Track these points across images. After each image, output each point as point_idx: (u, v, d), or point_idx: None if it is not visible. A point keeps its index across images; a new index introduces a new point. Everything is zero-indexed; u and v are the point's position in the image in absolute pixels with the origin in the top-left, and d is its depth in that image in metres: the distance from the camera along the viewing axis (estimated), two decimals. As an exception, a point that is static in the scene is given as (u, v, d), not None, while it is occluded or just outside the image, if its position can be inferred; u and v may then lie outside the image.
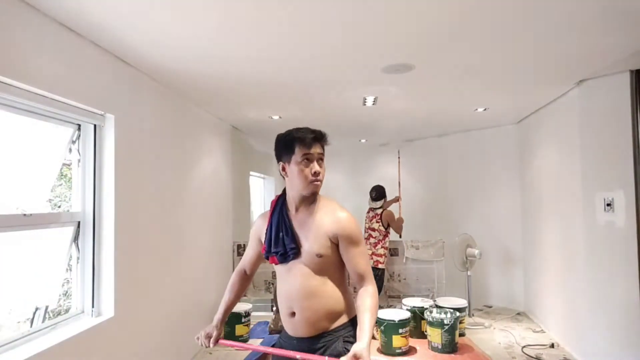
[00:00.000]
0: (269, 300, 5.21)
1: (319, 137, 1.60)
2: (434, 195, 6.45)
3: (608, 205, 3.15)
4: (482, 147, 5.70)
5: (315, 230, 1.57)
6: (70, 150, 2.46)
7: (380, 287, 4.53)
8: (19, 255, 2.26)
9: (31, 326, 2.15)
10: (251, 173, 6.32)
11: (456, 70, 3.07)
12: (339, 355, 1.47)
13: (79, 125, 2.48)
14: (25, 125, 2.19)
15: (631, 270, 3.01)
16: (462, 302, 4.35)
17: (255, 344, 3.95)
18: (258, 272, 5.04)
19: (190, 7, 2.01)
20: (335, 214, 1.58)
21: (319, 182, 1.58)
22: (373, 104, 4.03)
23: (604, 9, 2.10)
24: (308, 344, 1.58)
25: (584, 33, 2.40)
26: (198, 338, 1.72)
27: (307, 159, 1.56)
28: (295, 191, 1.61)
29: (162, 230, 3.21)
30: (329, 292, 1.58)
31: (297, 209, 1.63)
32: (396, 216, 4.67)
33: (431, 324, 3.84)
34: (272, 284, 4.97)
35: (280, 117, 4.56)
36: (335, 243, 1.57)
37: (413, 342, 3.98)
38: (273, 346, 1.73)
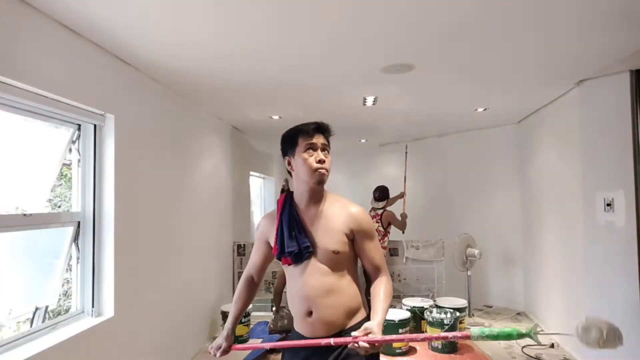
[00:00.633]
0: (269, 300, 5.20)
1: (321, 127, 1.59)
2: (434, 195, 6.44)
3: (608, 205, 3.15)
4: (482, 147, 5.69)
5: (329, 226, 1.55)
6: (70, 150, 2.46)
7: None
8: (19, 255, 2.26)
9: (31, 326, 2.15)
10: (251, 173, 6.32)
11: (456, 70, 3.07)
12: (357, 354, 1.45)
13: (79, 125, 2.48)
14: (26, 125, 2.19)
15: (631, 270, 3.01)
16: (462, 302, 4.35)
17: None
18: (258, 272, 5.03)
19: (190, 7, 2.01)
20: (348, 209, 1.57)
21: (324, 170, 1.55)
22: (373, 104, 4.03)
23: (604, 9, 2.10)
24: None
25: (584, 33, 2.40)
26: (211, 348, 1.71)
27: (311, 148, 1.55)
28: (302, 185, 1.59)
29: (162, 230, 3.21)
30: (346, 288, 1.56)
31: (306, 206, 1.60)
32: (400, 212, 4.67)
33: (431, 324, 3.84)
34: (272, 284, 4.97)
35: (280, 117, 4.56)
36: (350, 239, 1.56)
37: (413, 342, 3.98)
38: (284, 351, 1.71)
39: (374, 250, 1.59)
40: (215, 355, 1.70)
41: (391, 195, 4.76)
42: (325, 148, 1.58)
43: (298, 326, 1.62)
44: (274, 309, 4.37)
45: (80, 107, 2.32)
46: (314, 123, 1.59)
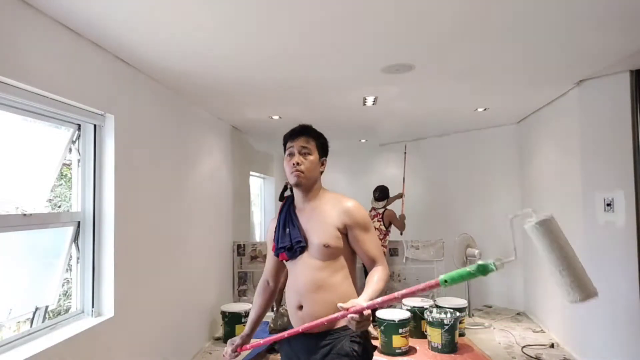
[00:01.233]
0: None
1: (300, 131, 1.67)
2: (434, 195, 6.44)
3: (608, 205, 3.15)
4: (482, 147, 5.69)
5: (322, 221, 1.59)
6: (70, 150, 2.46)
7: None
8: (19, 255, 2.26)
9: (31, 326, 2.15)
10: (251, 173, 6.32)
11: (456, 70, 3.07)
12: (347, 355, 1.48)
13: (79, 125, 2.48)
14: (26, 125, 2.19)
15: (631, 270, 3.01)
16: (462, 302, 4.36)
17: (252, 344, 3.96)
18: (258, 272, 5.04)
19: (190, 7, 2.01)
20: (342, 204, 1.61)
21: (298, 172, 1.60)
22: (373, 104, 4.03)
23: (604, 9, 2.10)
24: (314, 340, 1.57)
25: (584, 33, 2.40)
26: (225, 353, 1.74)
27: (290, 153, 1.64)
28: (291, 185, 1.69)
29: (162, 230, 3.21)
30: (338, 285, 1.57)
31: (302, 205, 1.67)
32: (399, 213, 4.68)
33: (431, 324, 3.84)
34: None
35: (280, 117, 4.56)
36: (344, 233, 1.59)
37: (413, 342, 3.98)
38: (282, 344, 1.72)
39: (369, 242, 1.61)
40: (227, 354, 1.73)
41: (391, 195, 4.76)
42: (303, 151, 1.64)
43: (292, 319, 1.68)
44: (274, 309, 4.37)
45: (80, 107, 2.32)
46: (297, 126, 1.69)
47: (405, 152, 5.34)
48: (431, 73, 3.12)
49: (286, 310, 3.88)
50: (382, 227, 4.56)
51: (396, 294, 1.35)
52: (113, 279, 2.53)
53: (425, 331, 3.98)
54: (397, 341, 3.73)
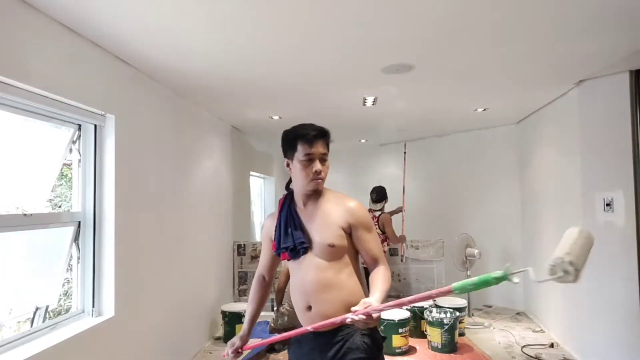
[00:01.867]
0: (269, 300, 5.20)
1: (321, 135, 1.59)
2: (433, 195, 6.45)
3: (608, 205, 3.15)
4: (482, 147, 5.70)
5: (325, 221, 1.58)
6: (70, 150, 2.46)
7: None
8: (19, 255, 2.26)
9: (31, 326, 2.15)
10: (251, 173, 6.32)
11: (456, 70, 3.07)
12: (358, 348, 1.50)
13: (80, 125, 2.48)
14: (26, 125, 2.19)
15: (631, 270, 3.01)
16: (461, 302, 4.35)
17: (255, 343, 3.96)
18: (258, 272, 5.04)
19: (191, 7, 2.01)
20: (345, 204, 1.60)
21: (320, 180, 1.59)
22: (373, 104, 4.03)
23: (603, 9, 2.10)
24: (326, 338, 1.56)
25: (584, 33, 2.41)
26: (225, 354, 1.74)
27: (309, 159, 1.57)
28: (298, 188, 1.64)
29: (162, 230, 3.21)
30: (344, 283, 1.57)
31: (304, 204, 1.64)
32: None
33: (431, 323, 3.85)
34: (272, 284, 4.96)
35: (280, 117, 4.56)
36: (347, 232, 1.58)
37: (413, 341, 3.98)
38: (290, 344, 1.71)
39: (372, 242, 1.61)
40: (228, 355, 1.72)
41: (389, 197, 4.70)
42: (323, 157, 1.60)
43: (301, 320, 1.66)
44: (274, 308, 4.37)
45: (80, 107, 2.33)
46: (314, 129, 1.59)
47: (405, 152, 5.30)
48: (431, 73, 3.13)
49: (286, 310, 3.90)
50: (378, 231, 4.40)
51: (406, 299, 1.36)
52: (113, 279, 2.53)
53: (425, 331, 3.99)
54: (397, 341, 3.74)
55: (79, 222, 2.46)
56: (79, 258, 2.46)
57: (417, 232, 5.62)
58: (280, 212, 1.69)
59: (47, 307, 2.25)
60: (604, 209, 3.18)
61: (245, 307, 4.12)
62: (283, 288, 3.99)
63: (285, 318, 3.86)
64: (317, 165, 1.57)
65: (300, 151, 1.57)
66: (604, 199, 3.18)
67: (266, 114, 4.46)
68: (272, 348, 3.81)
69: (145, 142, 2.99)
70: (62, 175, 2.51)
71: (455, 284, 1.25)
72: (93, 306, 2.49)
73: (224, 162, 4.80)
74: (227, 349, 1.73)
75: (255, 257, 5.08)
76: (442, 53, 2.70)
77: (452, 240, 5.08)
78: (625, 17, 2.20)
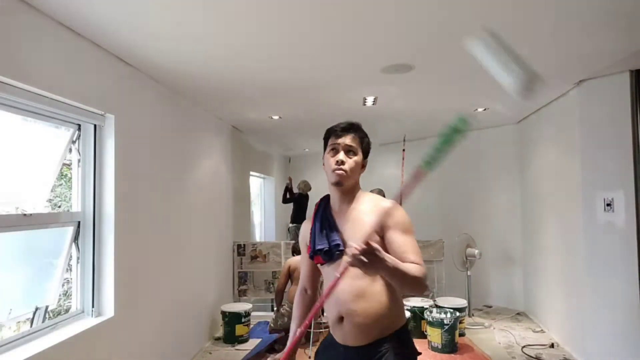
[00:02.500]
0: (269, 300, 5.20)
1: (347, 128, 1.57)
2: (433, 195, 6.43)
3: (608, 205, 3.15)
4: (482, 147, 5.69)
5: (360, 224, 1.47)
6: (70, 150, 2.46)
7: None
8: (19, 255, 2.26)
9: (31, 326, 2.15)
10: (251, 173, 6.32)
11: (456, 70, 3.07)
12: None
13: (79, 125, 2.48)
14: (26, 125, 2.19)
15: (631, 270, 3.01)
16: (462, 302, 4.35)
17: (254, 344, 3.96)
18: (258, 272, 5.05)
19: (191, 8, 2.01)
20: (379, 205, 1.51)
21: (342, 172, 1.51)
22: (373, 104, 4.03)
23: (604, 9, 2.10)
24: (357, 353, 1.46)
25: (584, 33, 2.40)
26: None
27: (334, 149, 1.55)
28: (329, 184, 1.58)
29: (162, 230, 3.21)
30: (378, 295, 1.46)
31: (339, 207, 1.57)
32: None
33: (431, 324, 3.84)
34: (272, 284, 4.97)
35: (280, 117, 4.56)
36: (381, 236, 1.46)
37: (413, 342, 3.97)
38: (317, 350, 1.64)
39: (408, 246, 1.43)
40: None
41: (389, 197, 4.69)
42: (350, 149, 1.56)
43: (333, 331, 1.56)
44: (274, 309, 4.37)
45: (80, 107, 2.32)
46: (345, 123, 1.58)
47: (403, 150, 5.28)
48: (431, 73, 3.12)
49: (286, 310, 3.90)
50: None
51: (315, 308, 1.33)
52: (113, 279, 2.53)
53: (425, 331, 3.98)
54: (397, 341, 3.73)
55: (79, 222, 2.46)
56: (78, 258, 2.46)
57: (417, 232, 5.55)
58: (315, 214, 1.62)
59: (47, 307, 2.25)
60: (605, 209, 3.18)
61: (245, 307, 4.18)
62: (282, 289, 3.99)
63: (285, 319, 3.86)
64: (340, 155, 1.53)
65: (329, 144, 1.57)
66: (604, 199, 3.18)
67: (266, 114, 4.46)
68: (272, 348, 3.81)
69: (145, 142, 2.99)
70: (62, 175, 2.51)
71: (422, 162, 1.19)
72: (93, 306, 2.49)
73: (224, 162, 4.80)
74: None
75: (255, 257, 5.08)
76: (442, 53, 2.70)
77: (452, 241, 5.08)
78: (625, 17, 2.20)
